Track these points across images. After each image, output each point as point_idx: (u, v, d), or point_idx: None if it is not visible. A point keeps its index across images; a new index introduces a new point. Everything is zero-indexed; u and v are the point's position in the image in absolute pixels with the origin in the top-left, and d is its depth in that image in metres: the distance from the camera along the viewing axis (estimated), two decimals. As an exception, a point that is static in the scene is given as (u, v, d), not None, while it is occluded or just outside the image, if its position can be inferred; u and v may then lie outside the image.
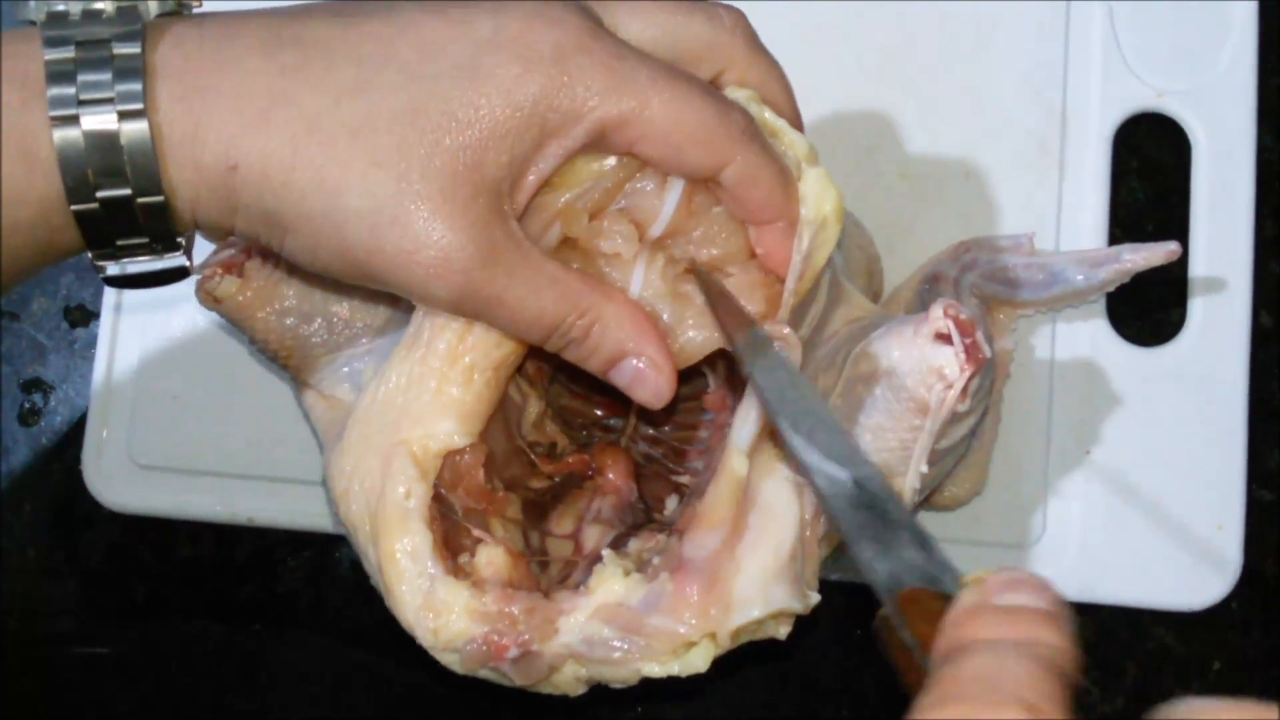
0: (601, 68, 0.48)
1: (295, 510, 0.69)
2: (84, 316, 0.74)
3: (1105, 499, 0.68)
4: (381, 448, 0.53)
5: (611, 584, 0.51)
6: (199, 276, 0.58)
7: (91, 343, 0.72)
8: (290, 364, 0.59)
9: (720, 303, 0.54)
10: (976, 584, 0.42)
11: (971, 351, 0.53)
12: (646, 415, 0.63)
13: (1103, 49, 0.72)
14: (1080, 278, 0.65)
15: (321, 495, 0.68)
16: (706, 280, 0.54)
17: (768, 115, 0.54)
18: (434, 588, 0.51)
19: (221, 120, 0.46)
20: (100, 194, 0.46)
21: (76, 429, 0.72)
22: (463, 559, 0.52)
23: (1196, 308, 0.70)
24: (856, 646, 0.69)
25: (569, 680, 0.52)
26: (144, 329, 0.70)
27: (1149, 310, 0.71)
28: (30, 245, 0.47)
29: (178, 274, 0.51)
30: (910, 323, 0.54)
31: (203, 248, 0.55)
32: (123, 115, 0.46)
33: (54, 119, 0.45)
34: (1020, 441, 0.68)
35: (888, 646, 0.43)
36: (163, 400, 0.70)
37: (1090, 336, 0.70)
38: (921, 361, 0.53)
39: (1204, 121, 0.71)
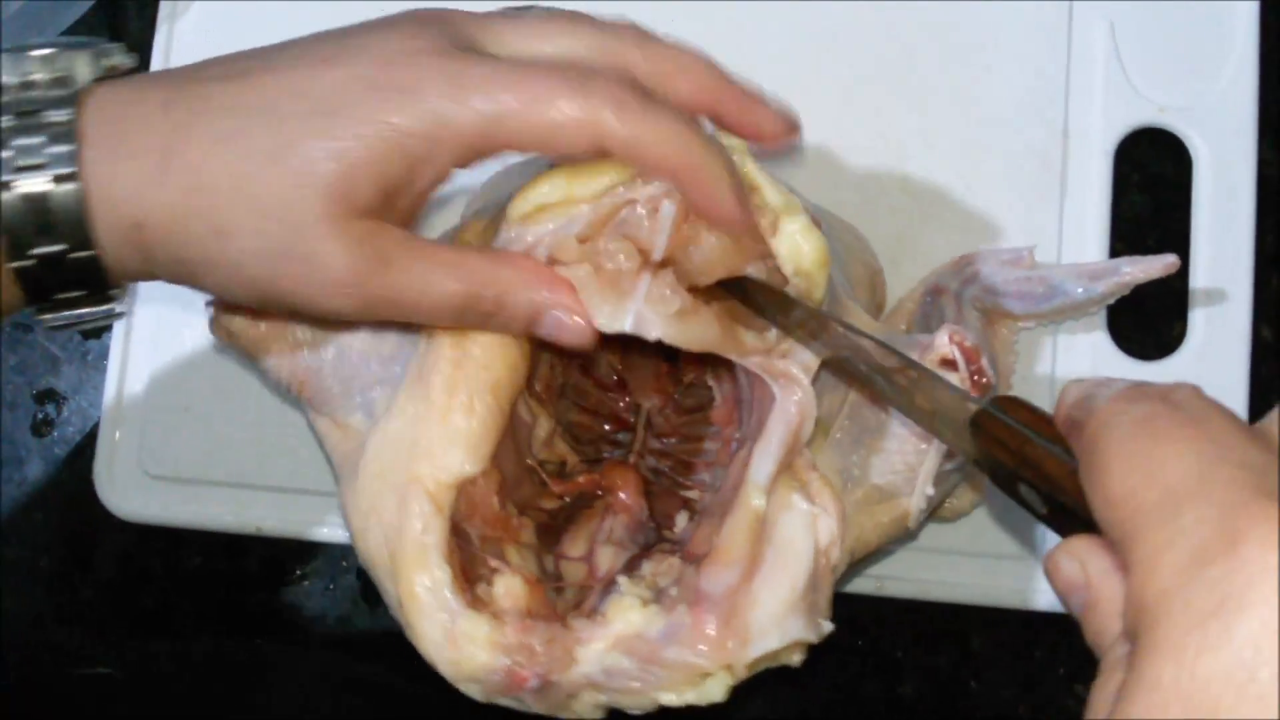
0: (450, 87, 0.50)
1: (303, 520, 0.70)
2: (96, 329, 0.74)
3: (1106, 510, 0.68)
4: (396, 485, 0.53)
5: (629, 614, 0.52)
6: (212, 313, 0.59)
7: (103, 355, 0.72)
8: (304, 395, 0.59)
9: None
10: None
11: (976, 378, 0.54)
12: (653, 428, 0.63)
13: (1105, 65, 0.72)
14: (1079, 290, 0.66)
15: (329, 505, 0.68)
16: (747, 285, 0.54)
17: (748, 168, 0.54)
18: (455, 621, 0.51)
19: (126, 179, 0.49)
20: (34, 251, 0.49)
21: (88, 439, 0.73)
22: (480, 589, 0.53)
23: (1197, 321, 0.70)
24: (856, 654, 0.70)
25: (587, 707, 0.53)
26: (155, 341, 0.71)
27: (1150, 323, 0.72)
28: None
29: (112, 318, 0.53)
30: (916, 348, 0.55)
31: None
32: (56, 179, 0.48)
33: None
34: (1022, 453, 0.69)
35: (987, 437, 0.46)
36: (173, 411, 0.71)
37: (1091, 349, 0.70)
38: (927, 388, 0.54)
39: (1205, 136, 0.71)
